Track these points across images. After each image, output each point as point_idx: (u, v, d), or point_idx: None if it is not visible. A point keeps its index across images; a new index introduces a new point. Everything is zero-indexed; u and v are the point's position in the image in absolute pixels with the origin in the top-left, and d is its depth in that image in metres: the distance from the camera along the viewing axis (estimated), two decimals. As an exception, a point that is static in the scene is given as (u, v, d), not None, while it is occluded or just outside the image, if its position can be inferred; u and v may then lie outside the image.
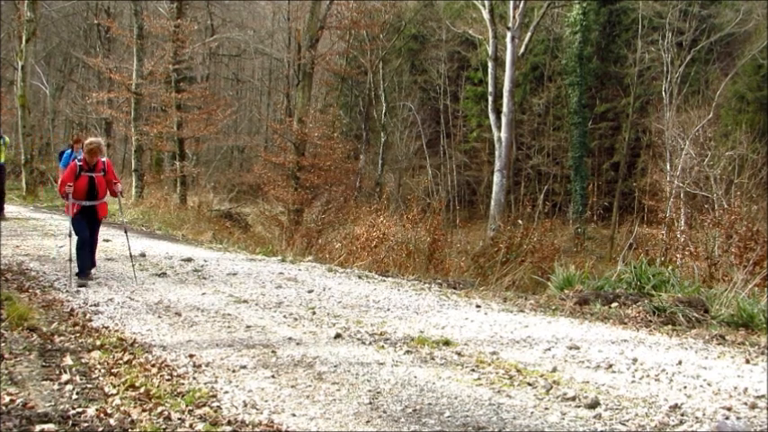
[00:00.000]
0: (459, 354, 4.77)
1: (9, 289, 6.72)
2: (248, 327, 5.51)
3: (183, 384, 3.99)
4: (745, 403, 3.78)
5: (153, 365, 4.34)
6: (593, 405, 3.69)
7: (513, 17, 21.31)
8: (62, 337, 5.01)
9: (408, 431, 3.37)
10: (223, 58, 36.71)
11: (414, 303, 6.78)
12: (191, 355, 4.60)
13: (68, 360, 4.38)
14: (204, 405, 3.65)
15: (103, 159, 7.52)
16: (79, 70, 35.35)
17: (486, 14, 22.43)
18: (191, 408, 3.60)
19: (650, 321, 6.09)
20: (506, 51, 21.48)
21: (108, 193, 7.63)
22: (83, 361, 4.41)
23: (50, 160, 26.37)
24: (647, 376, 4.28)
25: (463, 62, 38.89)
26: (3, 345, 4.61)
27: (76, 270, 7.28)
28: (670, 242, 13.45)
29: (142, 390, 3.83)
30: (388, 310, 6.40)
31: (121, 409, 3.53)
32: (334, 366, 4.40)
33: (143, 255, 9.55)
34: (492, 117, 21.98)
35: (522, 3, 21.41)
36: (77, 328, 5.35)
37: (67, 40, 33.95)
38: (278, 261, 9.99)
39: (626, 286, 7.53)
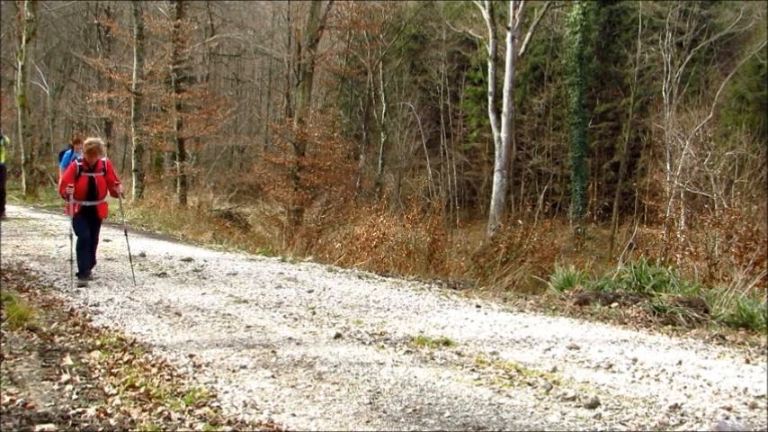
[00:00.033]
0: (459, 354, 4.77)
1: (9, 289, 6.72)
2: (248, 327, 5.51)
3: (183, 384, 3.99)
4: (745, 403, 3.78)
5: (153, 365, 4.34)
6: (593, 405, 3.69)
7: (513, 17, 21.31)
8: (62, 337, 5.01)
9: (408, 431, 3.37)
10: (223, 58, 36.72)
11: (414, 303, 6.78)
12: (191, 355, 4.60)
13: (68, 360, 4.38)
14: (204, 405, 3.65)
15: (103, 159, 7.52)
16: (79, 70, 35.35)
17: (486, 14, 22.43)
18: (191, 408, 3.60)
19: (650, 321, 6.09)
20: (506, 51, 21.47)
21: (108, 193, 7.63)
22: (83, 361, 4.41)
23: (50, 160, 26.36)
24: (647, 376, 4.28)
25: (463, 62, 38.89)
26: (3, 345, 4.61)
27: (76, 270, 7.28)
28: (670, 242, 13.45)
29: (142, 390, 3.83)
30: (388, 310, 6.40)
31: (121, 409, 3.53)
32: (335, 366, 4.40)
33: (143, 255, 9.55)
34: (492, 117, 21.98)
35: (522, 3, 21.40)
36: (77, 328, 5.35)
37: (67, 40, 33.95)
38: (278, 261, 9.99)
39: (626, 286, 7.53)
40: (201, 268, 8.65)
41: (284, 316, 5.98)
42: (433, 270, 11.49)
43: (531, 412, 3.62)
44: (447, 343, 5.05)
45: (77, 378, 4.05)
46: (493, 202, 21.17)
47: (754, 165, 22.31)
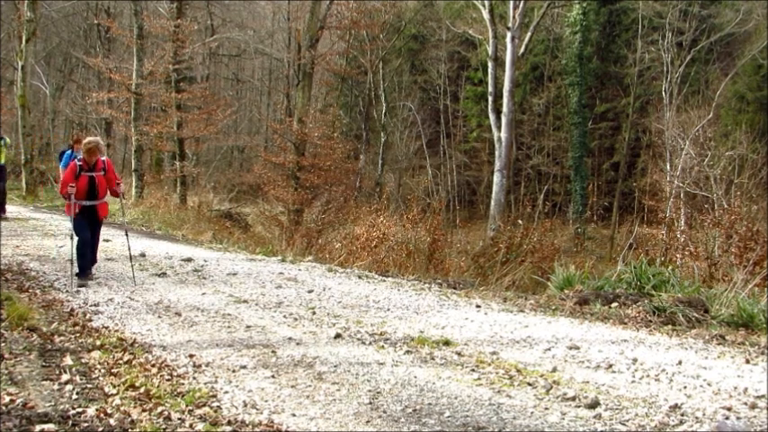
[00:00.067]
0: (459, 354, 4.77)
1: (9, 289, 6.72)
2: (248, 327, 5.51)
3: (183, 384, 3.99)
4: (745, 403, 3.78)
5: (153, 365, 4.34)
6: (593, 405, 3.69)
7: (513, 17, 21.31)
8: (62, 337, 5.01)
9: (408, 431, 3.37)
10: (223, 58, 36.71)
11: (414, 303, 6.78)
12: (191, 355, 4.60)
13: (68, 360, 4.38)
14: (204, 405, 3.65)
15: (103, 158, 7.51)
16: (79, 70, 35.34)
17: (486, 14, 22.43)
18: (191, 408, 3.60)
19: (650, 321, 6.09)
20: (506, 51, 21.47)
21: (108, 192, 7.62)
22: (83, 361, 4.41)
23: (50, 160, 26.36)
24: (647, 376, 4.28)
25: (463, 62, 38.89)
26: (3, 345, 4.61)
27: (76, 270, 7.27)
28: (670, 242, 13.44)
29: (142, 390, 3.83)
30: (388, 310, 6.40)
31: (121, 409, 3.53)
32: (334, 366, 4.40)
33: (143, 255, 9.55)
34: (492, 117, 21.98)
35: (522, 3, 21.40)
36: (77, 328, 5.35)
37: (67, 40, 33.94)
38: (278, 261, 9.99)
39: (626, 286, 7.53)
40: (201, 268, 8.65)
41: (284, 316, 5.98)
42: (433, 270, 11.49)
43: (531, 412, 3.62)
44: (447, 343, 5.05)
45: (77, 378, 4.05)
46: (493, 202, 21.17)
47: (754, 165, 22.31)
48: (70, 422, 3.32)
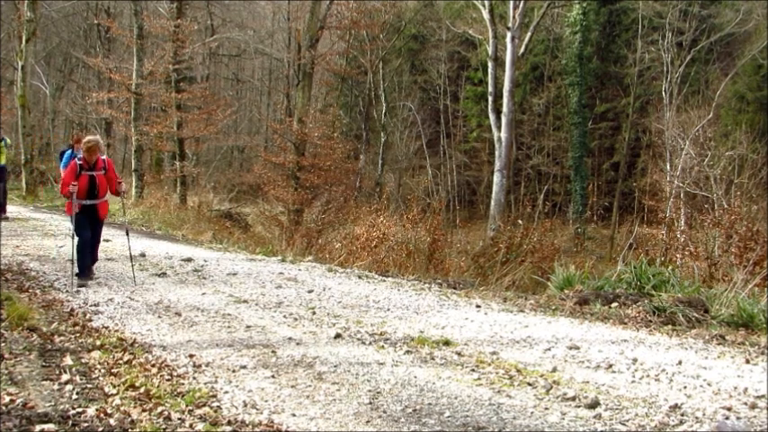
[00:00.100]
0: (459, 354, 4.77)
1: (9, 289, 6.72)
2: (248, 327, 5.51)
3: (183, 384, 3.99)
4: (745, 403, 3.78)
5: (153, 365, 4.34)
6: (593, 405, 3.69)
7: (513, 17, 21.31)
8: (62, 337, 5.01)
9: (408, 431, 3.37)
10: (223, 58, 36.71)
11: (414, 303, 6.78)
12: (191, 355, 4.60)
13: (68, 360, 4.38)
14: (204, 405, 3.65)
15: (103, 157, 7.50)
16: (79, 70, 35.34)
17: (486, 14, 22.43)
18: (191, 408, 3.60)
19: (650, 321, 6.09)
20: (506, 51, 21.47)
21: (109, 191, 7.61)
22: (83, 361, 4.41)
23: (50, 160, 26.36)
24: (647, 376, 4.28)
25: (463, 62, 38.89)
26: (3, 345, 4.61)
27: (76, 270, 7.27)
28: (670, 242, 13.44)
29: (142, 390, 3.83)
30: (388, 310, 6.40)
31: (121, 409, 3.53)
32: (334, 366, 4.40)
33: (143, 255, 9.55)
34: (492, 117, 21.98)
35: (522, 3, 21.40)
36: (77, 328, 5.35)
37: (67, 40, 33.94)
38: (278, 261, 9.99)
39: (626, 286, 7.53)
40: (201, 268, 8.65)
41: (284, 316, 5.98)
42: (433, 270, 11.49)
43: (531, 412, 3.62)
44: (447, 343, 5.05)
45: (77, 378, 4.05)
46: (493, 202, 21.17)
47: (754, 165, 22.31)
48: (70, 422, 3.32)
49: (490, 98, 22.18)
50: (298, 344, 4.99)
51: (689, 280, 7.97)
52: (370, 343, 5.05)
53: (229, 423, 3.40)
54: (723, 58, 32.23)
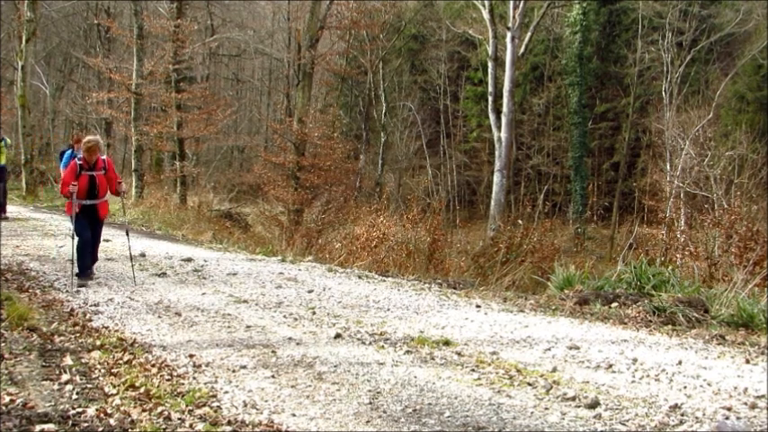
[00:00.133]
0: (459, 354, 4.77)
1: (9, 289, 6.72)
2: (248, 327, 5.51)
3: (183, 384, 3.99)
4: (745, 403, 3.78)
5: (153, 365, 4.34)
6: (593, 405, 3.69)
7: (513, 17, 21.31)
8: (62, 337, 5.01)
9: (408, 431, 3.37)
10: (223, 58, 36.71)
11: (414, 303, 6.78)
12: (191, 355, 4.60)
13: (68, 360, 4.39)
14: (204, 405, 3.65)
15: (103, 157, 7.49)
16: (79, 70, 35.34)
17: (486, 14, 22.43)
18: (191, 408, 3.60)
19: (650, 321, 6.09)
20: (506, 51, 21.47)
21: (109, 191, 7.61)
22: (83, 361, 4.41)
23: (50, 160, 26.36)
24: (647, 376, 4.28)
25: (463, 62, 38.89)
26: (3, 345, 4.61)
27: (76, 270, 7.27)
28: (670, 242, 13.44)
29: (142, 390, 3.83)
30: (388, 310, 6.40)
31: (121, 409, 3.53)
32: (334, 366, 4.40)
33: (143, 255, 9.55)
34: (492, 117, 21.98)
35: (522, 3, 21.40)
36: (77, 328, 5.35)
37: (67, 40, 33.94)
38: (278, 261, 9.99)
39: (626, 286, 7.53)
40: (201, 268, 8.65)
41: (284, 316, 5.98)
42: (433, 270, 11.49)
43: (531, 412, 3.62)
44: (447, 343, 5.05)
45: (77, 378, 4.05)
46: (493, 202, 21.17)
47: (754, 165, 22.31)
48: (70, 422, 3.32)
49: (490, 98, 22.18)
50: (298, 344, 4.99)
51: (689, 280, 7.97)
52: (370, 343, 5.05)
53: (229, 423, 3.40)
54: (723, 58, 32.23)
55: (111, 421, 3.35)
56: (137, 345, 4.85)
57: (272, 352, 4.74)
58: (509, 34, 21.30)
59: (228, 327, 5.50)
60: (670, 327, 5.95)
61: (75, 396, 3.73)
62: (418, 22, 38.27)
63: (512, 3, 21.48)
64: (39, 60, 30.00)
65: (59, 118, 33.93)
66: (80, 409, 3.48)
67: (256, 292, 7.10)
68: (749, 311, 6.18)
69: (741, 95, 30.76)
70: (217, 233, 14.94)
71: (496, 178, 21.25)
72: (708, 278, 9.04)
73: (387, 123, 34.88)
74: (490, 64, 22.48)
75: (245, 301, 6.60)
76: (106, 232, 8.94)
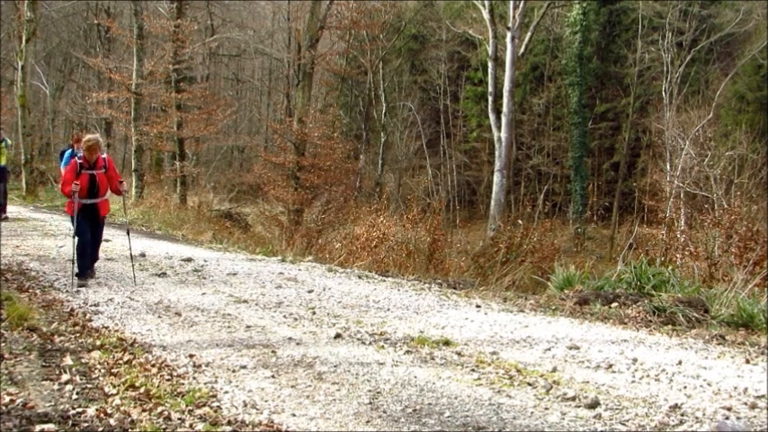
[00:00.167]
0: (459, 354, 4.77)
1: (9, 289, 6.72)
2: (248, 327, 5.51)
3: (183, 384, 3.99)
4: (745, 403, 3.78)
5: (153, 365, 4.34)
6: (593, 405, 3.69)
7: (513, 17, 21.31)
8: (62, 337, 5.01)
9: (408, 431, 3.37)
10: (223, 58, 36.71)
11: (414, 303, 6.78)
12: (191, 355, 4.60)
13: (68, 360, 4.38)
14: (204, 405, 3.65)
15: (104, 156, 7.48)
16: (79, 70, 35.34)
17: (486, 14, 22.43)
18: (191, 408, 3.60)
19: (650, 321, 6.09)
20: (506, 51, 21.47)
21: (109, 190, 7.59)
22: (83, 361, 4.41)
23: (50, 160, 26.36)
24: (647, 376, 4.28)
25: (463, 62, 38.89)
26: (3, 345, 4.61)
27: (76, 270, 7.26)
28: (670, 242, 13.44)
29: (142, 390, 3.83)
30: (388, 310, 6.40)
31: (121, 409, 3.53)
32: (334, 366, 4.40)
33: (143, 255, 9.55)
34: (492, 117, 21.98)
35: (522, 3, 21.40)
36: (77, 328, 5.35)
37: (67, 40, 33.94)
38: (278, 261, 9.99)
39: (626, 286, 7.53)
40: (201, 268, 8.65)
41: (284, 316, 5.98)
42: (433, 270, 11.49)
43: (531, 412, 3.62)
44: (447, 343, 5.05)
45: (77, 378, 4.05)
46: (493, 202, 21.17)
47: (754, 165, 22.31)
48: (70, 422, 3.32)
49: (490, 98, 22.18)
50: (298, 344, 4.99)
51: (689, 280, 7.97)
52: (370, 343, 5.05)
53: (229, 423, 3.40)
54: (723, 58, 32.23)
55: (111, 421, 3.35)
56: (137, 345, 4.85)
57: (272, 352, 4.74)
58: (509, 34, 21.30)
59: (228, 327, 5.50)
60: (670, 327, 5.95)
61: (75, 396, 3.73)
62: (418, 22, 38.27)
63: (512, 3, 21.48)
64: (39, 60, 30.00)
65: (59, 118, 33.93)
66: (80, 409, 3.48)
67: (256, 292, 7.10)
68: (749, 311, 6.18)
69: (741, 95, 30.76)
70: (217, 233, 14.95)
71: (496, 178, 21.25)
72: (708, 278, 9.04)
73: (387, 123, 34.88)
74: (490, 64, 22.48)
75: (245, 301, 6.60)
76: (106, 232, 8.94)
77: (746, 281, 7.47)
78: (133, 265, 7.99)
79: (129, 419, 3.38)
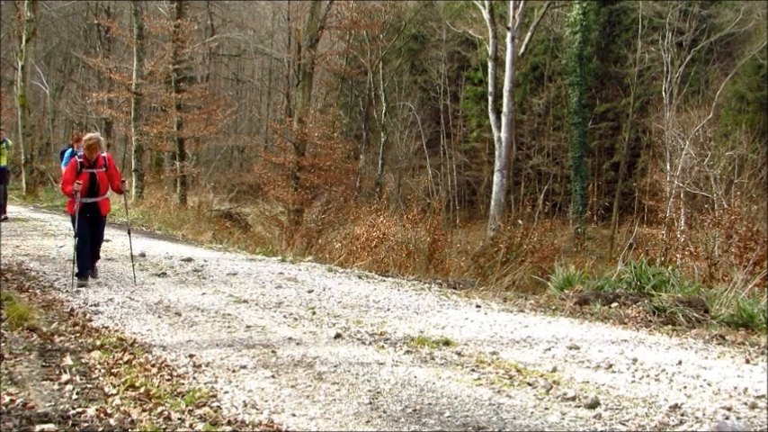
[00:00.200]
0: (459, 354, 4.77)
1: (9, 289, 6.72)
2: (248, 327, 5.51)
3: (183, 384, 3.99)
4: (745, 403, 3.78)
5: (153, 365, 4.34)
6: (593, 405, 3.69)
7: (513, 17, 21.31)
8: (62, 337, 5.01)
9: (408, 431, 3.37)
10: (223, 58, 36.71)
11: (414, 303, 6.78)
12: (191, 355, 4.60)
13: (68, 360, 4.38)
14: (204, 405, 3.65)
15: (104, 155, 7.47)
16: (79, 70, 35.35)
17: (486, 14, 22.43)
18: (191, 408, 3.60)
19: (650, 321, 6.09)
20: (506, 51, 21.47)
21: (110, 188, 7.57)
22: (83, 361, 4.41)
23: (50, 160, 26.38)
24: (647, 376, 4.28)
25: (463, 62, 38.88)
26: (3, 345, 4.61)
27: (76, 270, 7.25)
28: (670, 242, 13.44)
29: (142, 390, 3.83)
30: (388, 310, 6.40)
31: (121, 409, 3.53)
32: (334, 366, 4.40)
33: (143, 255, 9.55)
34: (492, 117, 21.98)
35: (522, 3, 21.40)
36: (77, 328, 5.35)
37: (67, 40, 33.94)
38: (278, 261, 9.99)
39: (626, 286, 7.53)
40: (201, 268, 8.65)
41: (284, 316, 5.98)
42: (433, 270, 11.49)
43: (531, 412, 3.62)
44: (447, 343, 5.05)
45: (77, 378, 4.05)
46: (493, 202, 21.17)
47: (754, 165, 22.30)
48: (70, 422, 3.32)
49: (490, 98, 22.18)
50: (298, 344, 4.99)
51: (689, 280, 7.97)
52: (370, 343, 5.05)
53: (229, 423, 3.40)
54: (723, 58, 32.23)
55: (111, 421, 3.35)
56: (137, 345, 4.85)
57: (272, 352, 4.74)
58: (509, 34, 21.30)
59: (228, 327, 5.50)
60: (670, 327, 5.95)
61: (75, 396, 3.72)
62: (418, 22, 38.27)
63: (512, 3, 21.48)
64: (39, 60, 30.01)
65: (59, 118, 33.93)
66: (80, 409, 3.48)
67: (256, 292, 7.10)
68: (749, 311, 6.18)
69: (741, 95, 30.75)
70: (217, 233, 14.95)
71: (496, 178, 21.25)
72: (708, 278, 9.04)
73: (387, 123, 34.88)
74: (490, 64, 22.48)
75: (245, 301, 6.60)
76: (107, 232, 8.94)
77: (746, 281, 7.47)
78: (133, 265, 7.99)
79: (129, 419, 3.38)
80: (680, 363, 4.57)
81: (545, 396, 3.88)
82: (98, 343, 4.84)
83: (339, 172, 20.93)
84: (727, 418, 3.54)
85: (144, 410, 3.52)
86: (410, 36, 39.08)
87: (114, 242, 10.44)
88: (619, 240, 27.44)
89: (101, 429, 3.25)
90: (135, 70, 20.72)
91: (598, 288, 7.53)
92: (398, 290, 7.64)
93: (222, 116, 23.66)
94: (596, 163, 35.72)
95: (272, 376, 4.18)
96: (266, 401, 3.74)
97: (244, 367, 4.35)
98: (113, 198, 8.32)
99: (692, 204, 19.62)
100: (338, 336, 5.22)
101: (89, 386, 3.91)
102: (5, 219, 13.58)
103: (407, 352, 4.80)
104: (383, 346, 4.95)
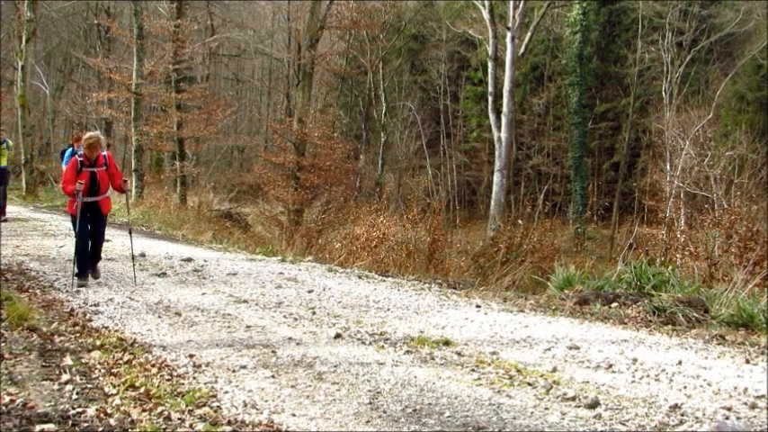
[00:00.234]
0: (459, 354, 4.77)
1: (9, 289, 6.72)
2: (248, 327, 5.51)
3: (183, 384, 3.99)
4: (745, 403, 3.78)
5: (153, 365, 4.34)
6: (593, 405, 3.69)
7: (513, 17, 21.31)
8: (62, 337, 5.01)
9: (408, 431, 3.37)
10: (223, 58, 36.72)
11: (414, 303, 6.78)
12: (191, 355, 4.60)
13: (68, 360, 4.38)
14: (204, 405, 3.65)
15: (104, 153, 7.45)
16: (79, 70, 35.35)
17: (486, 14, 22.43)
18: (191, 408, 3.60)
19: (650, 321, 6.09)
20: (506, 51, 21.48)
21: (112, 187, 7.56)
22: (83, 361, 4.41)
23: (50, 160, 26.38)
24: (647, 376, 4.28)
25: (463, 62, 38.89)
26: (3, 345, 4.61)
27: (76, 270, 7.24)
28: (670, 242, 13.44)
29: (142, 390, 3.83)
30: (388, 310, 6.40)
31: (121, 409, 3.53)
32: (334, 366, 4.40)
33: (143, 255, 9.55)
34: (492, 117, 21.99)
35: (522, 3, 21.41)
36: (77, 328, 5.35)
37: (67, 40, 33.95)
38: (278, 261, 9.99)
39: (626, 286, 7.53)
40: (201, 268, 8.65)
41: (284, 316, 5.98)
42: (433, 270, 11.49)
43: (531, 412, 3.62)
44: (447, 343, 5.05)
45: (77, 378, 4.05)
46: (493, 202, 21.18)
47: (754, 165, 22.30)
48: (70, 422, 3.32)
49: (490, 98, 22.18)
50: (298, 344, 4.99)
51: (689, 280, 7.97)
52: (370, 343, 5.05)
53: (229, 423, 3.40)
54: (723, 58, 32.23)
55: (111, 421, 3.35)
56: (137, 345, 4.85)
57: (272, 352, 4.74)
58: (509, 34, 21.30)
59: (228, 327, 5.50)
60: (670, 327, 5.95)
61: (75, 396, 3.72)
62: (418, 22, 38.27)
63: (512, 3, 21.48)
64: (39, 60, 30.01)
65: (59, 118, 33.94)
66: (80, 409, 3.48)
67: (256, 292, 7.10)
68: (749, 311, 6.18)
69: (741, 95, 30.76)
70: (217, 233, 14.95)
71: (496, 178, 21.25)
72: (708, 278, 9.04)
73: (387, 123, 34.89)
74: (490, 64, 22.48)
75: (245, 301, 6.60)
76: (107, 232, 8.94)
77: (746, 281, 7.47)
78: (134, 265, 7.99)
79: (129, 419, 3.38)
80: (680, 363, 4.57)
81: (545, 396, 3.88)
82: (98, 343, 4.85)
83: (339, 172, 20.94)
84: (727, 418, 3.54)
85: (144, 410, 3.52)
86: (410, 36, 39.09)
87: (114, 242, 10.44)
88: (619, 240, 27.45)
89: (101, 429, 3.25)
90: (135, 70, 20.72)
91: (598, 288, 7.53)
92: (398, 290, 7.64)
93: (222, 116, 23.67)
94: (596, 163, 35.73)
95: (272, 376, 4.18)
96: (266, 401, 3.74)
97: (244, 367, 4.35)
98: (114, 198, 8.31)
99: (692, 204, 19.63)
100: (338, 336, 5.22)
101: (89, 386, 3.91)
102: (5, 220, 13.57)
103: (407, 352, 4.80)
104: (383, 346, 4.95)
